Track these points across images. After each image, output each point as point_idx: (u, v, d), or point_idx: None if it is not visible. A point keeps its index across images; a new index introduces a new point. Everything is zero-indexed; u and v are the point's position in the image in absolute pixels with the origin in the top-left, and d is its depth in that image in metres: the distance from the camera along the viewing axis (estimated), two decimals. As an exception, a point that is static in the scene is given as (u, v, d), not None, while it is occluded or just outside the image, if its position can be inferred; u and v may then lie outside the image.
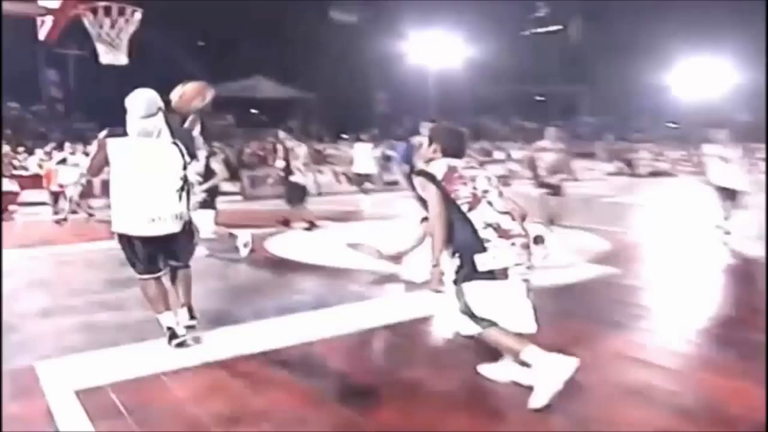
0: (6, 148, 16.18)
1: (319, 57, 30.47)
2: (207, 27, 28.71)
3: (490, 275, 2.89)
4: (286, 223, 9.20)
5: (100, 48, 5.68)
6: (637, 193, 15.59)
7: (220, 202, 13.11)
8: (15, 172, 13.31)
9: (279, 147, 9.64)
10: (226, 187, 15.27)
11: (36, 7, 5.20)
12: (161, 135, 3.62)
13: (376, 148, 14.70)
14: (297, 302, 4.89)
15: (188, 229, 3.87)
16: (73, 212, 10.52)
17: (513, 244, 2.93)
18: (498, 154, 21.45)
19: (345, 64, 30.13)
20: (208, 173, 6.66)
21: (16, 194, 11.85)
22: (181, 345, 3.72)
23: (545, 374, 2.80)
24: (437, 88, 29.77)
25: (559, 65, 35.48)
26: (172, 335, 3.72)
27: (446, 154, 3.19)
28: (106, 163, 3.66)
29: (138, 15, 5.24)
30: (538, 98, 37.66)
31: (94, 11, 5.03)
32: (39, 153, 15.35)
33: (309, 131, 27.32)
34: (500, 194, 3.10)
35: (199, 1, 26.59)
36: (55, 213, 10.80)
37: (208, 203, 6.66)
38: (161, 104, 3.68)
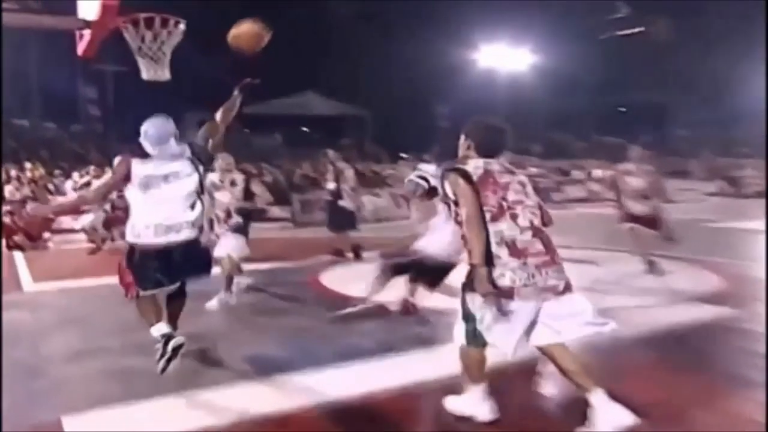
0: (41, 171, 16.92)
1: (374, 70, 30.77)
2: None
3: (494, 291, 2.96)
4: (338, 253, 9.11)
5: (142, 63, 5.76)
6: (746, 216, 14.75)
7: (268, 229, 13.43)
8: (50, 197, 13.80)
9: (329, 167, 9.63)
10: (275, 212, 15.60)
11: (74, 21, 5.33)
12: (176, 155, 4.11)
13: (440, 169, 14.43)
14: (356, 347, 4.72)
15: (202, 249, 4.23)
16: (92, 242, 10.71)
17: (525, 263, 2.97)
18: (576, 173, 20.95)
19: (403, 77, 30.28)
20: (247, 197, 6.62)
21: (51, 220, 12.26)
22: (178, 349, 3.83)
23: (603, 423, 2.96)
24: (505, 100, 29.54)
25: (645, 71, 34.56)
26: (168, 338, 3.85)
27: (481, 152, 3.18)
28: (119, 186, 4.16)
29: (182, 26, 5.29)
30: (620, 109, 36.73)
31: (135, 23, 5.11)
32: (76, 176, 15.96)
33: (364, 150, 27.49)
34: (530, 206, 3.11)
35: (244, 10, 27.36)
36: (91, 242, 11.09)
37: (241, 228, 6.56)
38: (174, 131, 4.19)
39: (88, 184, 10.82)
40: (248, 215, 6.69)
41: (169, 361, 3.80)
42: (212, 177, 6.91)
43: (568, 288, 3.09)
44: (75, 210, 4.46)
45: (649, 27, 35.38)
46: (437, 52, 29.06)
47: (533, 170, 21.44)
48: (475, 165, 3.10)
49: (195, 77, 21.06)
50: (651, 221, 7.14)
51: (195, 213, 4.08)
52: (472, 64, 29.91)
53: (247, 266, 7.29)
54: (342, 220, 9.22)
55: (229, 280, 6.34)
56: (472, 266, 2.99)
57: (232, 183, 6.59)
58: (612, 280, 7.04)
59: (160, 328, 3.96)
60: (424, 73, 31.11)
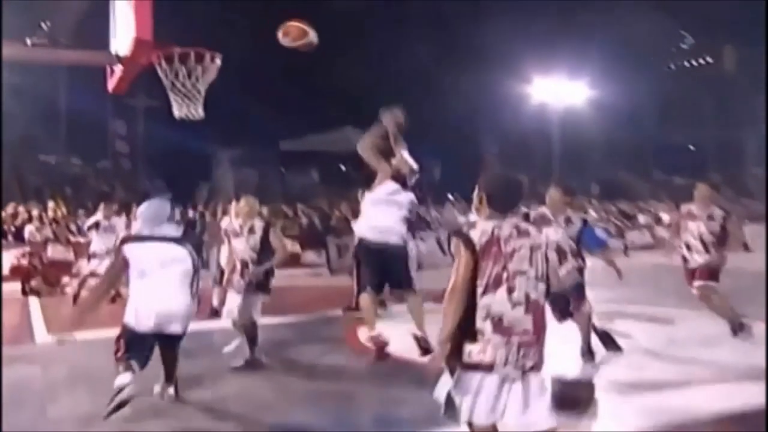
0: (63, 210, 17.20)
1: (417, 104, 30.95)
2: (290, 72, 30.04)
3: (474, 367, 3.05)
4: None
5: (174, 100, 5.85)
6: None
7: (301, 276, 13.39)
8: (73, 238, 13.81)
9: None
10: (309, 257, 15.59)
11: (106, 56, 5.45)
12: (170, 238, 4.70)
13: None
14: (398, 419, 4.55)
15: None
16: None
17: (509, 341, 3.03)
18: (642, 217, 20.51)
19: (448, 112, 30.38)
20: (264, 250, 6.36)
21: (69, 264, 12.33)
22: (122, 404, 4.27)
23: None
24: (560, 137, 29.33)
25: (714, 105, 34.03)
26: (120, 390, 4.32)
27: (494, 205, 3.23)
28: (123, 270, 4.69)
29: (218, 62, 5.37)
30: (688, 147, 36.12)
31: (169, 58, 5.19)
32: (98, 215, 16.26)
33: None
34: (534, 277, 3.14)
35: (277, 44, 27.96)
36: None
37: (261, 285, 6.36)
38: (167, 213, 4.84)
39: (97, 224, 10.82)
40: (269, 270, 6.45)
41: (115, 409, 4.26)
42: (232, 222, 6.90)
43: (535, 367, 3.13)
44: (96, 303, 4.83)
45: (717, 58, 34.97)
46: (486, 85, 29.12)
47: (593, 214, 21.13)
48: (482, 229, 3.16)
49: (229, 114, 21.49)
50: (711, 273, 6.71)
51: (189, 305, 4.70)
52: (525, 98, 29.86)
53: (277, 319, 7.24)
54: None
55: (252, 339, 6.24)
56: (440, 342, 3.13)
57: (251, 230, 6.38)
58: (688, 344, 6.66)
59: (121, 379, 4.41)
60: (472, 108, 31.16)
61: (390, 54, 30.62)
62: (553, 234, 4.65)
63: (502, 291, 3.08)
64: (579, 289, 5.45)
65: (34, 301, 10.68)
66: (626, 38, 29.85)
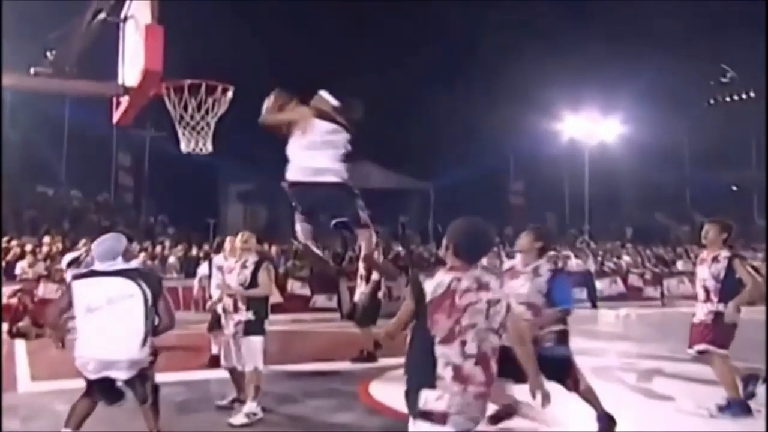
0: (59, 246, 17.23)
1: (439, 138, 31.15)
2: (303, 102, 30.42)
3: (428, 415, 3.17)
4: (369, 356, 8.82)
5: (182, 133, 5.91)
6: None
7: (310, 321, 13.33)
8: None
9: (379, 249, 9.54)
10: (319, 301, 15.49)
11: (112, 87, 5.53)
12: (122, 274, 4.68)
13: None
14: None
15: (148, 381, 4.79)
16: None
17: (465, 390, 3.18)
18: (681, 264, 20.29)
19: (472, 148, 30.52)
20: (252, 286, 6.43)
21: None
22: None
23: None
24: (592, 176, 29.27)
25: (758, 142, 33.83)
26: None
27: (461, 255, 3.35)
28: (68, 306, 4.75)
29: (229, 94, 5.44)
30: (731, 187, 35.85)
31: (179, 90, 5.27)
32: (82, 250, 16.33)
33: (425, 229, 27.45)
34: (485, 329, 3.26)
35: (296, 75, 28.28)
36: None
37: (254, 326, 6.35)
38: (122, 248, 4.82)
39: (76, 261, 10.70)
40: (264, 310, 6.50)
41: None
42: (227, 258, 7.03)
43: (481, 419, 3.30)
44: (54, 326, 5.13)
45: (760, 92, 34.89)
46: (513, 120, 29.28)
47: (627, 259, 20.95)
48: (439, 281, 3.28)
49: (239, 147, 21.61)
50: (715, 334, 6.14)
51: (142, 352, 4.63)
52: (555, 135, 29.96)
53: (281, 368, 7.17)
54: (373, 312, 9.01)
55: (256, 389, 6.20)
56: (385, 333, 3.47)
57: (243, 265, 6.49)
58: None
59: None
60: (497, 144, 31.29)
61: (409, 89, 30.92)
62: (520, 287, 4.70)
63: (456, 344, 3.23)
64: (565, 360, 5.23)
65: (20, 345, 10.44)
66: (663, 71, 29.91)
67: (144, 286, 4.67)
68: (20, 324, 11.58)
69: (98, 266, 4.81)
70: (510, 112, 28.69)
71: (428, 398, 3.20)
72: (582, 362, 6.21)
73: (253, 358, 6.26)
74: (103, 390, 4.71)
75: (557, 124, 29.45)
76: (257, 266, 6.48)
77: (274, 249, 18.29)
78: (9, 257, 14.29)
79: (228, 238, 7.87)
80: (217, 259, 8.10)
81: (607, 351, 9.80)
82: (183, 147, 5.85)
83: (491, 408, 5.10)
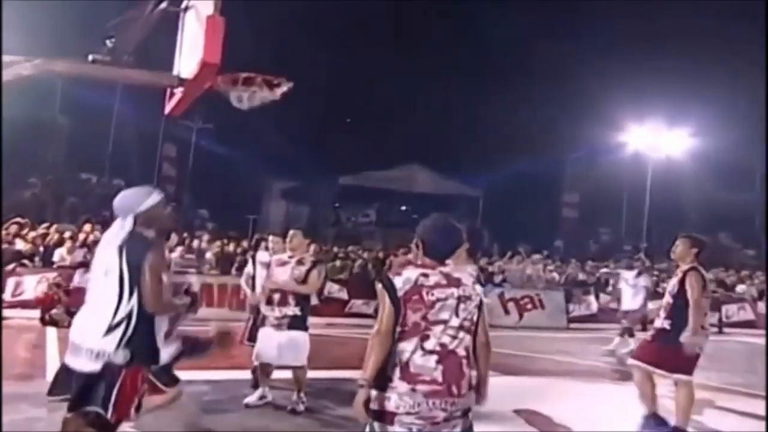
0: (98, 234, 17.65)
1: (492, 144, 31.06)
2: (357, 100, 30.62)
3: (379, 415, 3.26)
4: None
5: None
6: None
7: (348, 326, 13.41)
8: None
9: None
10: (356, 306, 15.58)
11: (167, 78, 5.75)
12: (113, 246, 3.84)
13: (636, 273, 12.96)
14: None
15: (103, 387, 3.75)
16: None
17: (414, 389, 3.22)
18: (742, 289, 19.92)
19: (526, 155, 30.36)
20: (303, 282, 6.72)
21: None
22: None
23: None
24: (654, 190, 28.83)
25: None
26: None
27: (430, 253, 3.44)
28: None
29: (284, 88, 5.59)
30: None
31: (234, 82, 5.45)
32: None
33: (471, 238, 27.34)
34: (454, 327, 3.31)
35: (349, 74, 28.49)
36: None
37: (299, 322, 6.65)
38: (137, 206, 3.91)
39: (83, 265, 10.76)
40: (308, 308, 6.78)
41: None
42: (277, 253, 7.22)
43: (449, 420, 3.26)
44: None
45: None
46: (573, 130, 29.04)
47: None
48: (407, 276, 3.36)
49: (287, 143, 21.95)
50: (659, 352, 6.13)
51: (105, 342, 3.73)
52: (617, 146, 29.56)
53: (320, 374, 7.31)
54: None
55: (302, 384, 6.59)
56: (359, 386, 3.32)
57: (300, 261, 6.76)
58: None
59: None
60: (554, 153, 31.05)
61: (464, 93, 30.91)
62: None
63: (415, 339, 3.29)
64: None
65: (52, 333, 10.70)
66: (736, 80, 29.22)
67: (124, 258, 3.79)
68: (53, 311, 11.88)
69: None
70: (570, 121, 28.51)
71: (377, 397, 3.29)
72: (632, 389, 6.29)
73: (299, 353, 6.54)
74: (60, 382, 3.94)
75: (620, 135, 29.05)
76: (314, 265, 6.78)
77: (312, 248, 18.47)
78: (48, 243, 14.63)
79: (272, 235, 8.02)
80: (262, 255, 8.28)
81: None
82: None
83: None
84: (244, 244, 17.32)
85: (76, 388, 3.78)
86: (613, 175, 30.59)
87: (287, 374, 6.85)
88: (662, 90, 27.20)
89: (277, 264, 6.90)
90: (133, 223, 3.86)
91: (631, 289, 12.16)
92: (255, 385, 7.03)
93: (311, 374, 7.01)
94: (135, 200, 3.93)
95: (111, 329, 3.72)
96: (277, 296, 6.68)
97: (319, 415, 6.61)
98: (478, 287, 3.49)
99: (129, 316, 3.74)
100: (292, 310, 6.61)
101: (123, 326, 3.73)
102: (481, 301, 3.46)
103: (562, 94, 29.26)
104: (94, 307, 3.84)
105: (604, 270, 19.51)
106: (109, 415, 3.69)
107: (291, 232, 7.10)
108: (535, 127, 29.93)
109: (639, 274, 12.35)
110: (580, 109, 28.39)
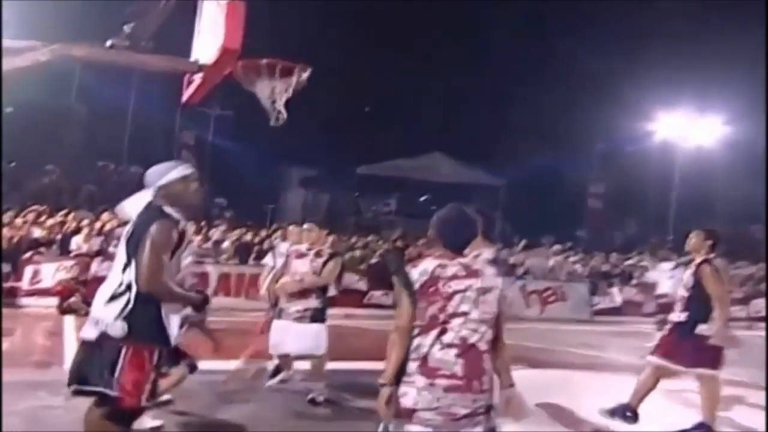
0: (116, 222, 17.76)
1: (517, 132, 30.87)
2: (376, 87, 30.51)
3: (396, 412, 3.21)
4: None
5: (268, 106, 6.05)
6: None
7: (365, 317, 13.43)
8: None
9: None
10: (375, 297, 15.59)
11: (187, 64, 5.78)
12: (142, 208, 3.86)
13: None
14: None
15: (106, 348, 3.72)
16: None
17: (432, 384, 3.18)
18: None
19: (551, 144, 30.16)
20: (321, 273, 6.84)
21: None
22: None
23: None
24: (683, 181, 28.51)
25: None
26: None
27: (446, 244, 3.42)
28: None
29: (306, 75, 5.60)
30: None
31: (256, 69, 5.46)
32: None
33: (490, 228, 27.22)
34: (475, 320, 3.26)
35: (369, 56, 28.38)
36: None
37: (319, 314, 6.76)
38: (156, 180, 3.88)
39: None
40: (326, 299, 6.91)
41: None
42: (295, 245, 7.28)
43: (469, 416, 3.19)
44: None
45: None
46: (599, 118, 28.76)
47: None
48: (423, 268, 3.33)
49: (306, 131, 21.86)
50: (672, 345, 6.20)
51: (105, 311, 3.73)
52: (645, 135, 29.23)
53: (338, 365, 7.35)
54: None
55: (323, 374, 6.69)
56: (379, 385, 3.28)
57: (318, 254, 6.87)
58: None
59: None
60: (579, 142, 30.77)
61: (487, 77, 30.69)
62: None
63: (433, 333, 3.25)
64: None
65: (70, 321, 10.84)
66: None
67: (131, 229, 3.85)
68: (71, 300, 12.03)
69: None
70: (596, 109, 28.19)
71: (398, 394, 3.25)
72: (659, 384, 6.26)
73: (318, 342, 6.63)
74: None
75: (648, 123, 28.70)
76: (331, 257, 6.90)
77: (331, 239, 18.49)
78: (65, 231, 14.73)
79: (291, 225, 8.06)
80: (282, 246, 8.31)
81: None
82: (272, 122, 6.04)
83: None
84: (262, 233, 17.40)
85: (76, 358, 3.81)
86: (640, 165, 30.30)
87: (306, 366, 6.93)
88: (693, 76, 26.60)
89: (295, 256, 6.98)
90: (153, 195, 3.84)
91: (668, 281, 12.24)
92: (273, 376, 7.12)
93: (329, 366, 7.05)
94: (158, 173, 3.93)
95: (113, 298, 3.71)
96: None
97: (338, 407, 6.65)
98: (499, 279, 3.40)
99: (129, 286, 3.70)
100: (312, 302, 6.71)
101: (125, 297, 3.69)
102: (501, 293, 3.38)
103: (589, 82, 28.93)
104: (109, 277, 3.87)
105: (629, 262, 19.39)
106: (114, 392, 3.62)
107: (306, 225, 7.19)
108: (560, 115, 29.70)
109: (676, 266, 12.37)
110: (608, 98, 28.03)
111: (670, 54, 27.91)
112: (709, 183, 30.02)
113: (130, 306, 3.67)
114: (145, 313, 3.70)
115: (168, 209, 3.81)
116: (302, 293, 6.70)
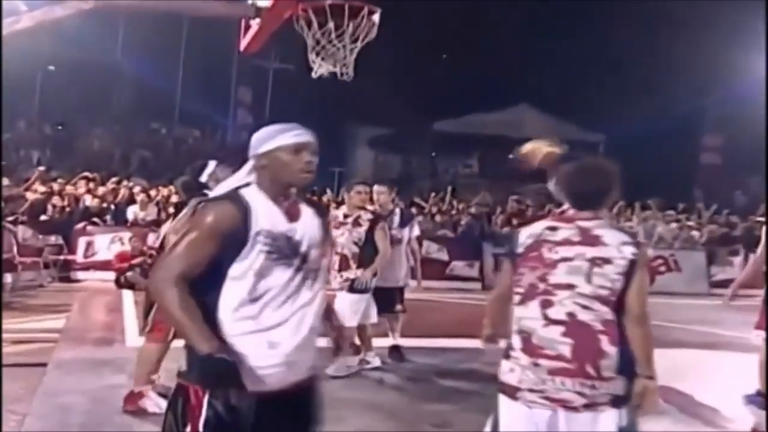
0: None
1: (616, 80, 30.08)
2: (455, 32, 30.09)
3: (502, 387, 3.21)
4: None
5: (315, 60, 6.07)
6: None
7: (445, 290, 13.44)
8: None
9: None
10: (458, 268, 15.57)
11: (243, 7, 5.78)
12: None
13: None
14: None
15: None
16: None
17: (536, 364, 3.11)
18: None
19: (657, 91, 29.34)
20: (367, 247, 6.82)
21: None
22: None
23: None
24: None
25: None
26: None
27: (573, 203, 3.30)
28: None
29: (376, 17, 5.54)
30: None
31: (318, 11, 5.42)
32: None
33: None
34: (586, 295, 3.14)
35: (449, 12, 27.98)
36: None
37: (362, 283, 6.80)
38: (256, 150, 3.27)
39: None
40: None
41: None
42: (340, 210, 7.41)
43: (591, 407, 3.08)
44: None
45: None
46: (715, 59, 27.75)
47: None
48: (531, 231, 3.29)
49: (374, 84, 21.71)
50: None
51: None
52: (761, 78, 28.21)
53: (415, 342, 7.34)
54: None
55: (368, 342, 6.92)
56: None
57: (356, 221, 6.86)
58: None
59: None
60: (691, 89, 29.79)
61: (578, 20, 29.97)
62: None
63: (534, 304, 3.18)
64: None
65: (128, 295, 11.19)
66: None
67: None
68: (128, 274, 12.24)
69: None
70: (711, 48, 27.23)
71: (502, 368, 3.23)
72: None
73: (369, 309, 6.83)
74: None
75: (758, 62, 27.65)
76: (373, 224, 6.85)
77: (402, 204, 18.53)
78: (119, 200, 15.08)
79: (359, 185, 7.73)
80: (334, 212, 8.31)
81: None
82: (316, 72, 6.01)
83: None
84: (327, 196, 17.61)
85: None
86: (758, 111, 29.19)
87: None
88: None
89: (333, 225, 6.89)
90: (251, 168, 3.12)
91: None
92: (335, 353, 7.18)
93: (405, 342, 7.07)
94: (260, 138, 3.16)
95: None
96: (335, 260, 6.80)
97: (417, 387, 6.68)
98: (629, 248, 3.16)
99: None
100: (354, 273, 6.74)
101: None
102: (631, 266, 3.15)
103: (700, 16, 28.02)
104: None
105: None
106: None
107: (376, 187, 7.15)
108: (666, 58, 28.84)
109: None
110: (724, 32, 27.09)
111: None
112: None
113: None
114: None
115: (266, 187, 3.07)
116: (343, 264, 6.78)
